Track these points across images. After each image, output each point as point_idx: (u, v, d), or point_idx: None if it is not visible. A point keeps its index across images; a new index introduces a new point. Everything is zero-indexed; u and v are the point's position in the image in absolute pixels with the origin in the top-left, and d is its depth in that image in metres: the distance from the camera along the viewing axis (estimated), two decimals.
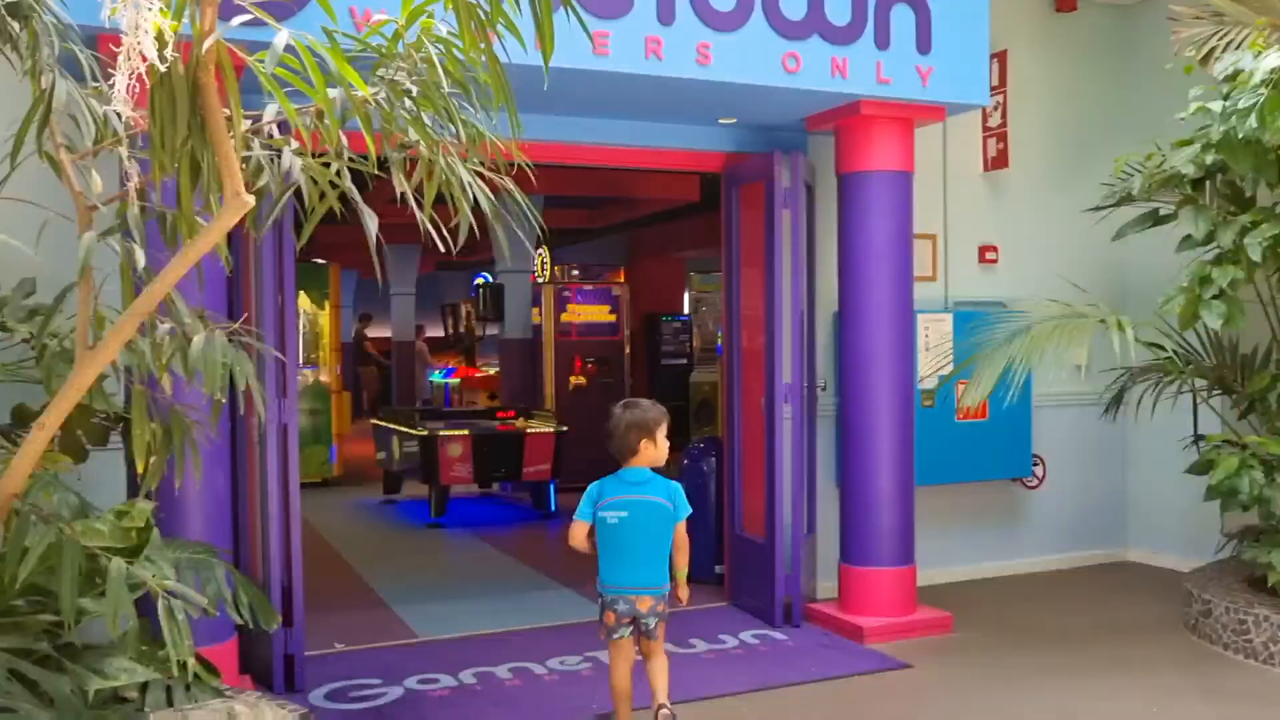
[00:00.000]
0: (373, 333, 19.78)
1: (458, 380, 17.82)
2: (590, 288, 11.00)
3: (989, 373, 4.92)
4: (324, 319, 11.44)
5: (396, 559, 7.72)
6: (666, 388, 14.53)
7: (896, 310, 5.52)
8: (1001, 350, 5.00)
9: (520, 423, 9.55)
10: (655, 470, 4.02)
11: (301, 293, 11.23)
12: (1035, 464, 6.80)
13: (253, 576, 4.73)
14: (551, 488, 9.29)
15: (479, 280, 11.32)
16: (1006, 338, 5.19)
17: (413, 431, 9.04)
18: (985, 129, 6.65)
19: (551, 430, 9.20)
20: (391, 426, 9.70)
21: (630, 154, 5.97)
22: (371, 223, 2.56)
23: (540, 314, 10.86)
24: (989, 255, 6.75)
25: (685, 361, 14.69)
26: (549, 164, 5.75)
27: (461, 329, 21.20)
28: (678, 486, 3.98)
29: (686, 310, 15.18)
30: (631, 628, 3.91)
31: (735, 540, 6.17)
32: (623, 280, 11.26)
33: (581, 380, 10.81)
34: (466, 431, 8.93)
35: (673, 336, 14.70)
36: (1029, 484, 6.88)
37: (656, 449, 3.98)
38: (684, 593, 4.01)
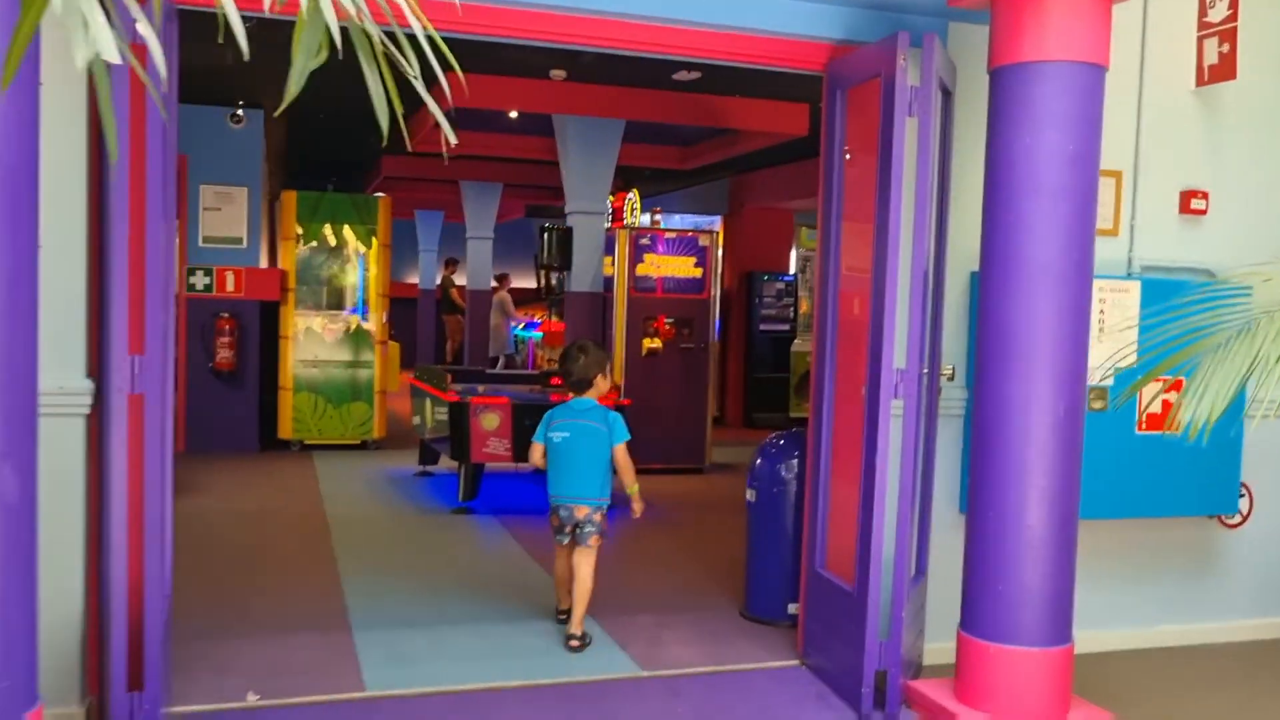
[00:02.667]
0: (460, 280, 18.53)
1: (541, 334, 16.46)
2: (674, 236, 9.32)
3: (1221, 381, 3.13)
4: (371, 258, 10.04)
5: (395, 558, 6.27)
6: (764, 357, 12.86)
7: (1068, 272, 3.73)
8: (1240, 348, 3.19)
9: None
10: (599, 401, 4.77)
11: (346, 227, 9.87)
12: (1240, 494, 4.94)
13: (90, 616, 3.27)
14: None
15: (544, 223, 9.64)
16: (1241, 328, 3.37)
17: (443, 395, 7.56)
18: (1203, 23, 4.74)
19: (611, 402, 7.60)
20: (424, 388, 8.24)
21: (698, 37, 4.29)
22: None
23: (613, 264, 9.26)
24: (1194, 203, 4.86)
25: (787, 328, 12.97)
26: (585, 46, 4.14)
27: (554, 281, 19.83)
28: (616, 415, 4.71)
29: (792, 269, 13.41)
30: (571, 535, 4.64)
31: (814, 580, 4.50)
32: (718, 230, 9.52)
33: (656, 344, 9.19)
34: (506, 399, 7.41)
35: (774, 299, 12.98)
36: (1229, 521, 5.03)
37: (605, 382, 4.84)
38: (637, 506, 4.81)
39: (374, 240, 10.02)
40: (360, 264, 10.05)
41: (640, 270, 9.20)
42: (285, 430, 9.80)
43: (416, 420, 8.71)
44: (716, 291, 9.46)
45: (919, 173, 3.93)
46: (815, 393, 4.53)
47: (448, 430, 7.46)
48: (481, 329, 16.06)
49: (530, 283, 20.57)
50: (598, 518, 4.62)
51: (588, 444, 4.61)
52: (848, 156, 4.41)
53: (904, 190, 3.92)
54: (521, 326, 17.48)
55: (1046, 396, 3.74)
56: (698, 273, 9.36)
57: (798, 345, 13.06)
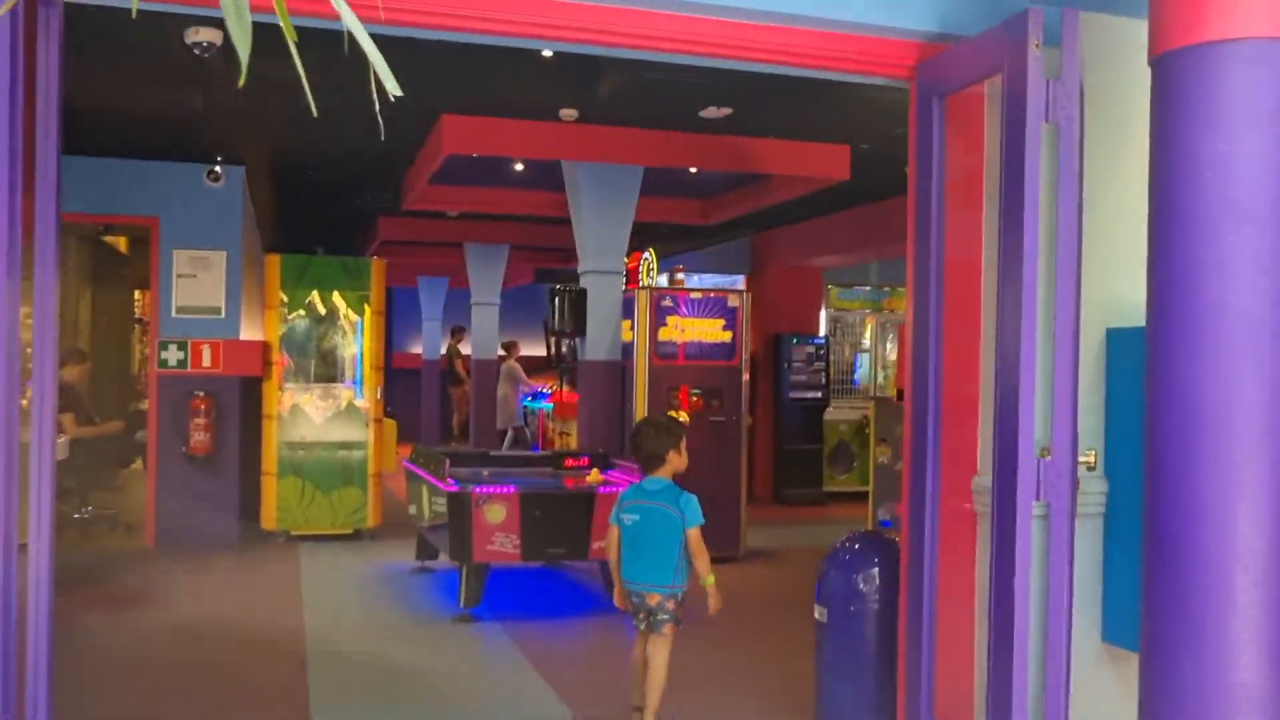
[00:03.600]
0: (466, 350, 17.60)
1: (551, 405, 15.45)
2: (699, 296, 8.34)
3: None
4: (365, 327, 9.07)
5: (381, 685, 5.18)
6: (794, 427, 11.82)
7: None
8: None
9: (593, 475, 6.95)
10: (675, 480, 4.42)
11: (335, 293, 8.92)
12: None
13: None
14: None
15: (556, 285, 8.67)
16: None
17: (439, 484, 6.52)
18: None
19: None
20: (420, 473, 7.20)
21: (742, 33, 3.33)
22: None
23: (633, 329, 8.27)
24: None
25: (819, 395, 11.95)
26: (597, 46, 3.18)
27: (566, 348, 18.89)
28: (690, 498, 4.34)
29: (822, 331, 12.42)
30: (647, 622, 4.33)
31: None
32: (744, 289, 8.53)
33: (684, 417, 8.16)
34: (512, 488, 6.37)
35: (804, 364, 11.98)
36: None
37: (680, 458, 4.45)
38: (713, 601, 4.41)
39: (367, 307, 9.06)
40: (353, 334, 9.08)
41: (663, 335, 8.21)
42: (269, 520, 8.76)
43: (413, 510, 7.66)
44: (747, 357, 8.45)
45: (1060, 197, 2.93)
46: (912, 489, 3.50)
47: (445, 524, 6.41)
48: (487, 401, 15.03)
49: (540, 350, 19.76)
50: (670, 605, 4.33)
51: (658, 528, 4.31)
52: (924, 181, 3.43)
53: (1037, 221, 2.93)
54: (531, 397, 16.50)
55: (1258, 497, 2.69)
56: (727, 336, 8.36)
57: (831, 413, 12.05)
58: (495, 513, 6.27)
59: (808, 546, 9.02)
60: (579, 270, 8.70)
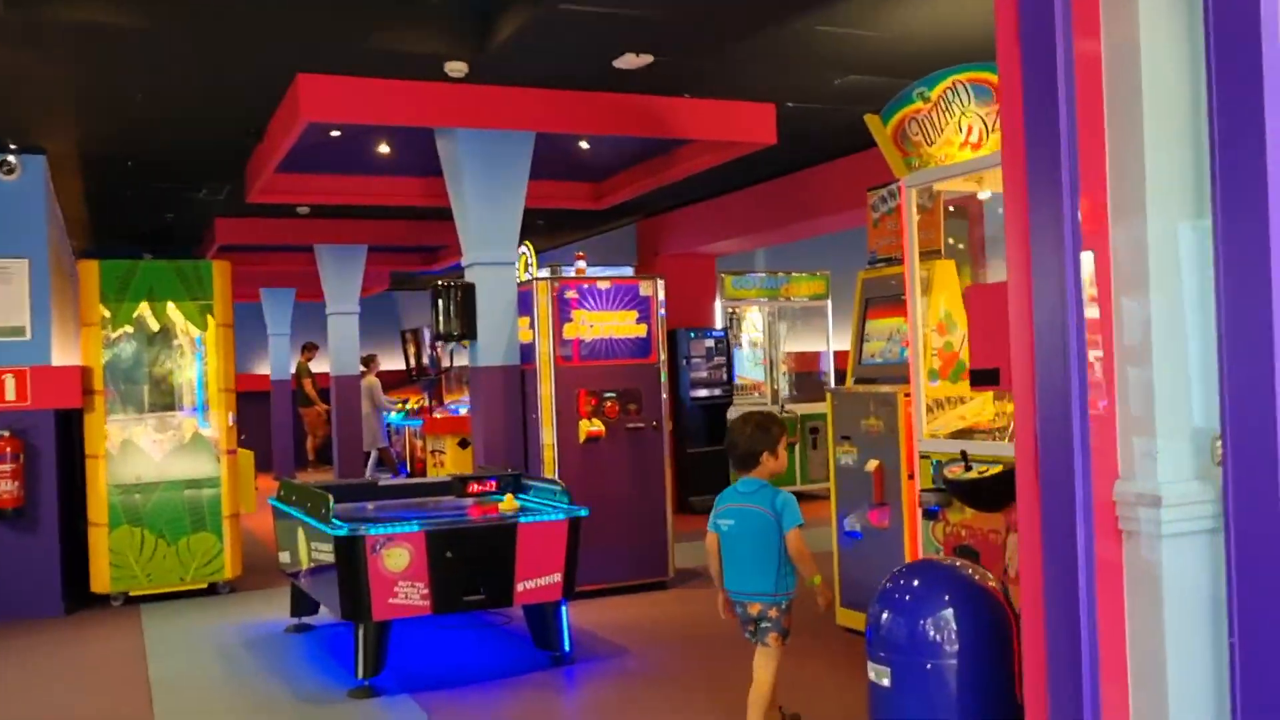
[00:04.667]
0: (317, 367, 16.03)
1: (419, 423, 14.12)
2: (607, 286, 7.25)
3: None
4: (209, 343, 7.64)
5: None
6: (696, 428, 10.86)
7: None
8: None
9: (508, 502, 5.78)
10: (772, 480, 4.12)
11: (170, 304, 7.48)
12: None
13: None
14: (563, 612, 5.52)
15: (438, 281, 7.44)
16: None
17: (323, 526, 5.24)
18: None
19: (561, 516, 5.43)
20: (294, 511, 5.88)
21: None
22: None
23: (532, 327, 7.13)
24: None
25: (720, 393, 11.02)
26: None
27: (427, 358, 17.49)
28: (788, 498, 4.05)
29: (718, 324, 11.50)
30: (756, 633, 4.07)
31: None
32: (657, 275, 7.49)
33: (598, 428, 7.06)
34: (417, 527, 5.14)
35: (703, 359, 11.03)
36: None
37: (776, 461, 4.14)
38: (822, 600, 4.18)
39: (210, 319, 7.63)
40: (193, 352, 7.63)
41: (568, 332, 7.09)
42: (101, 581, 7.24)
43: (285, 557, 6.32)
44: (664, 354, 7.41)
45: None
46: (1047, 507, 2.51)
47: (333, 576, 5.14)
48: (352, 422, 13.56)
49: (400, 364, 18.29)
50: (773, 614, 4.08)
51: (755, 531, 4.04)
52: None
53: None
54: (394, 414, 15.09)
55: None
56: (640, 330, 7.30)
57: (734, 412, 11.14)
58: (397, 558, 5.04)
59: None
60: (463, 264, 7.49)
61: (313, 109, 5.84)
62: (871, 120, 5.24)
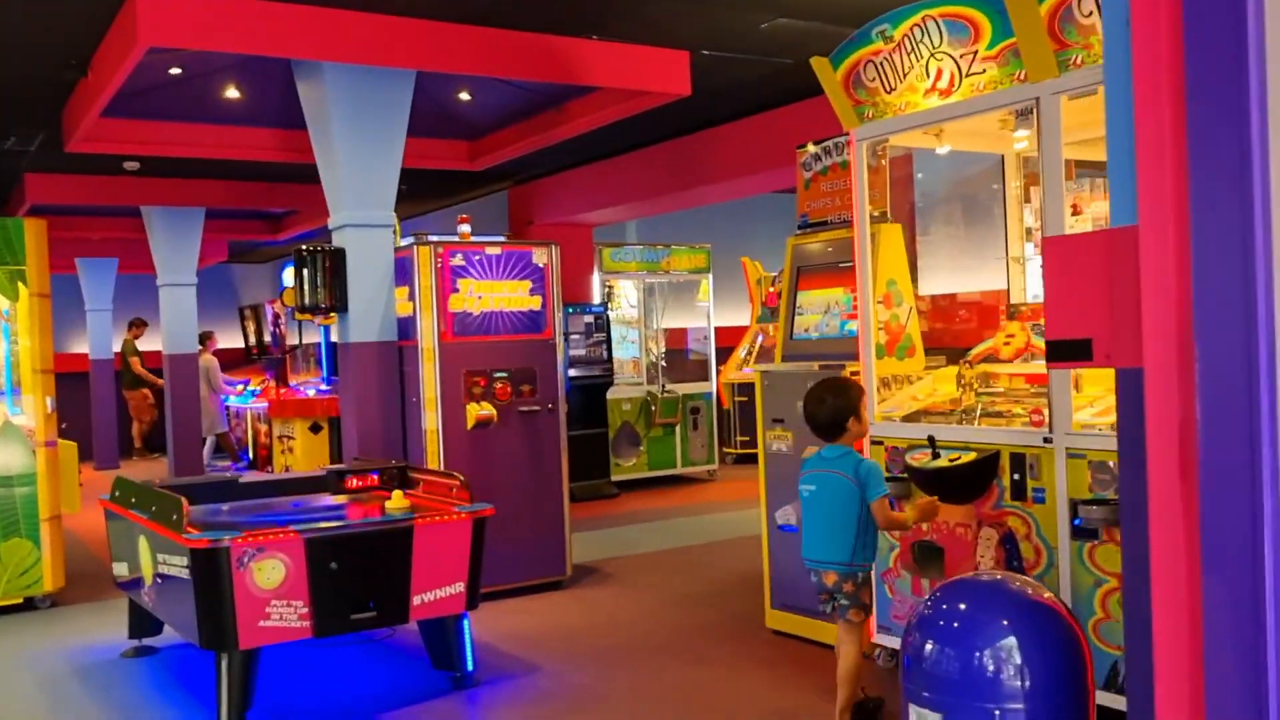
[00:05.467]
0: (146, 345, 14.59)
1: (263, 404, 12.97)
2: (498, 252, 6.46)
3: None
4: (20, 317, 6.49)
5: None
6: (576, 410, 10.12)
7: None
8: None
9: (396, 499, 4.95)
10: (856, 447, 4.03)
11: None
12: None
13: None
14: (465, 626, 4.76)
15: (302, 245, 6.48)
16: None
17: (176, 538, 4.31)
18: None
19: (465, 513, 4.66)
20: (134, 516, 4.90)
21: None
22: None
23: (412, 298, 6.28)
24: None
25: (599, 373, 10.34)
26: None
27: (269, 335, 16.20)
28: (872, 465, 3.96)
29: (596, 299, 10.82)
30: (832, 604, 3.95)
31: None
32: (552, 242, 6.73)
33: (488, 411, 6.29)
34: (293, 533, 4.28)
35: (582, 336, 10.33)
36: None
37: (860, 425, 4.05)
38: (914, 512, 4.05)
39: (21, 289, 6.48)
40: (1, 325, 6.47)
41: (455, 304, 6.28)
42: None
43: (121, 569, 5.31)
44: (560, 330, 6.68)
45: None
46: (1209, 538, 1.93)
47: (188, 595, 4.24)
48: (190, 406, 12.28)
49: (238, 341, 16.91)
50: (849, 587, 3.93)
51: (834, 498, 3.94)
52: None
53: None
54: (236, 395, 13.84)
55: None
56: (535, 303, 6.55)
57: (615, 392, 10.50)
58: (269, 572, 4.18)
59: (638, 556, 7.44)
60: (330, 226, 6.57)
61: (154, 31, 4.84)
62: (820, 64, 4.64)
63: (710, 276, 11.39)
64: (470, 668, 4.75)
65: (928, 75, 4.30)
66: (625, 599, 6.22)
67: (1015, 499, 4.08)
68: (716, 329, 11.60)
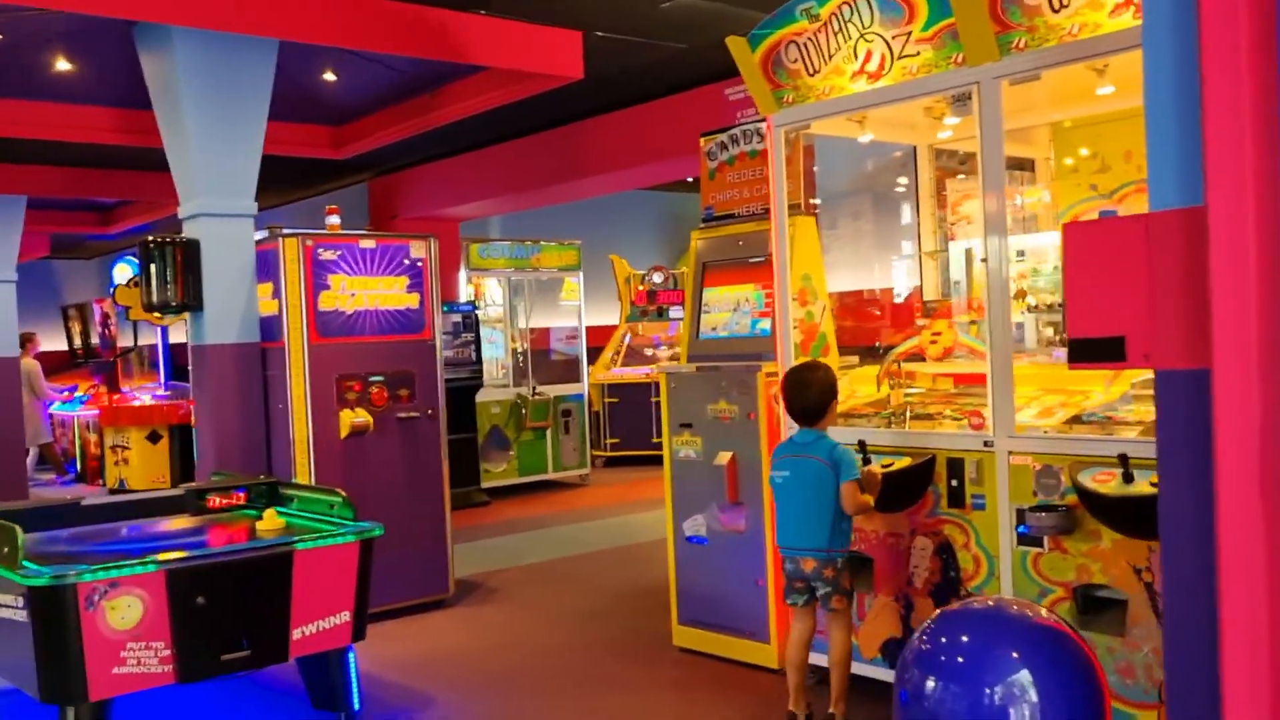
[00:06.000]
0: None
1: (93, 411, 11.98)
2: (372, 246, 5.94)
3: None
4: None
5: None
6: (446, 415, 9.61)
7: None
8: None
9: (268, 519, 4.41)
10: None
11: None
12: None
13: None
14: (351, 660, 4.26)
15: (148, 237, 5.81)
16: None
17: (8, 575, 3.68)
18: None
19: (350, 537, 4.17)
20: None
21: None
22: None
23: (277, 295, 5.71)
24: None
25: (468, 374, 9.85)
26: None
27: (97, 338, 14.99)
28: (845, 451, 3.84)
29: (463, 297, 10.31)
30: (807, 595, 3.88)
31: None
32: (430, 235, 6.25)
33: (363, 419, 5.77)
34: (154, 567, 3.71)
35: (450, 336, 9.81)
36: None
37: (837, 410, 4.00)
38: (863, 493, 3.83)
39: None
40: None
41: (326, 302, 5.74)
42: None
43: None
44: (439, 331, 6.22)
45: None
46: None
47: (25, 641, 3.62)
48: (9, 413, 11.15)
49: (63, 344, 15.62)
50: (828, 573, 3.82)
51: (810, 483, 3.81)
52: None
53: None
54: (63, 402, 12.73)
55: None
56: (413, 300, 6.06)
57: (484, 395, 10.01)
58: (125, 611, 3.61)
59: (522, 569, 7.02)
60: (181, 216, 5.93)
61: None
62: (736, 44, 4.34)
63: (581, 274, 11.03)
64: (357, 706, 4.26)
65: (856, 57, 4.05)
66: (516, 617, 5.80)
67: (953, 506, 3.87)
68: (589, 328, 11.24)
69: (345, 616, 4.14)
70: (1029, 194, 4.66)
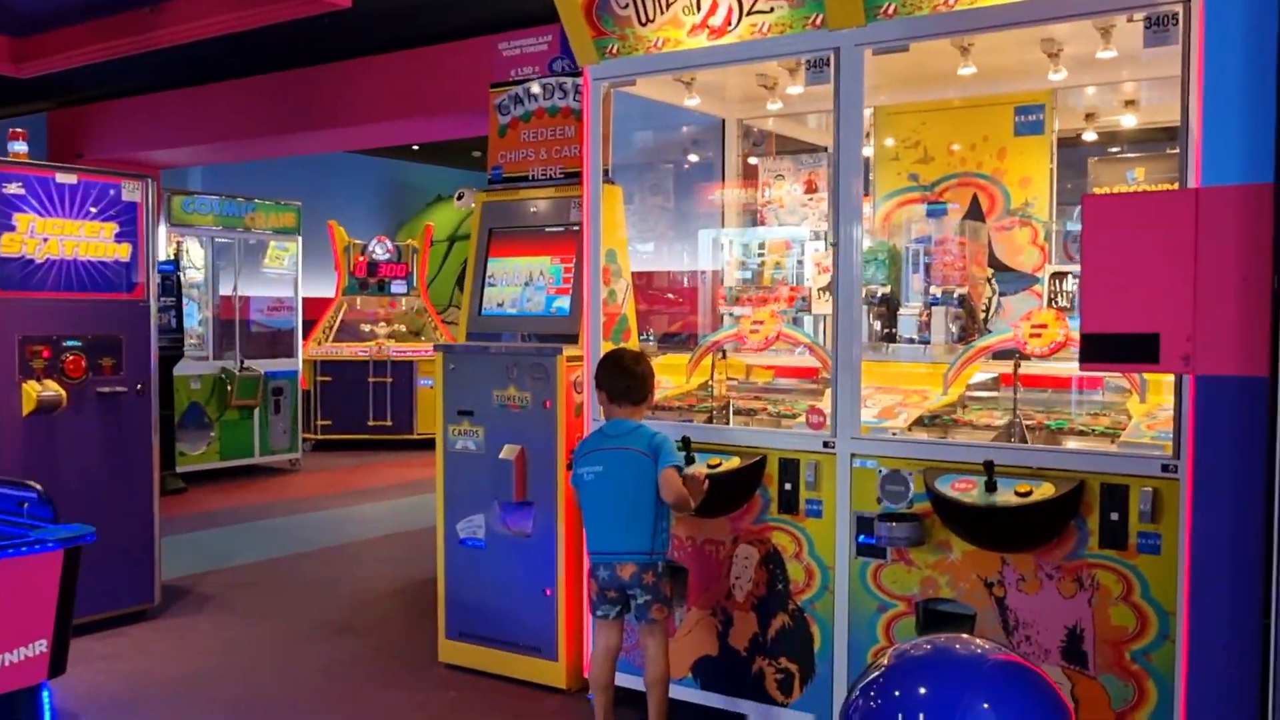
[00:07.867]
0: None
1: None
2: (72, 181, 4.86)
3: None
4: None
5: None
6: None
7: None
8: None
9: None
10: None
11: None
12: None
13: None
14: (45, 700, 3.35)
15: None
16: None
17: None
18: None
19: (51, 545, 3.27)
20: None
21: None
22: None
23: None
24: None
25: (167, 344, 8.60)
26: None
27: None
28: (664, 438, 3.47)
29: (165, 254, 9.03)
30: (619, 606, 3.48)
31: None
32: (148, 176, 5.23)
33: (53, 392, 4.72)
34: None
35: None
36: None
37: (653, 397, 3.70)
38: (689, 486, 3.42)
39: None
40: None
41: (9, 246, 4.64)
42: None
43: None
44: (153, 286, 5.23)
45: None
46: None
47: None
48: None
49: None
50: (649, 579, 3.42)
51: (629, 478, 3.42)
52: None
53: None
54: None
55: None
56: (122, 251, 5.05)
57: (183, 368, 8.81)
58: None
59: (236, 570, 6.10)
60: None
61: None
62: None
63: (300, 239, 10.00)
64: None
65: (698, 9, 3.62)
66: (239, 631, 4.95)
67: (784, 512, 3.53)
68: (306, 300, 10.23)
69: (41, 646, 3.24)
70: None
